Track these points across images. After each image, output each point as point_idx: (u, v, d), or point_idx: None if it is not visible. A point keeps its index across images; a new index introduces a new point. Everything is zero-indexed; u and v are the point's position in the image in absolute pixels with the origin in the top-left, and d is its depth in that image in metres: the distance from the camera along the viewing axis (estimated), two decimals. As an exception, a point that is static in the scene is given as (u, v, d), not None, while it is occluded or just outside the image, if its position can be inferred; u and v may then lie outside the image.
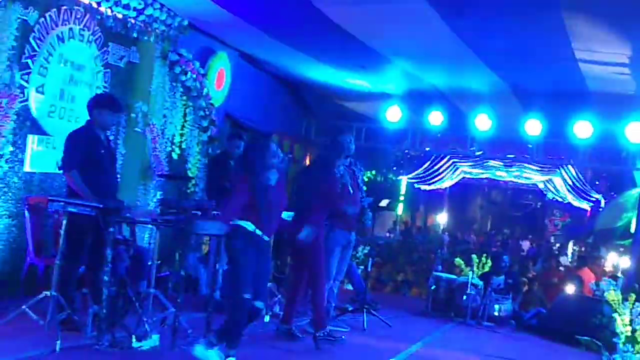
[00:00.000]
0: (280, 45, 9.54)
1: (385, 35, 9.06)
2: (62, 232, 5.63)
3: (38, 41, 6.71)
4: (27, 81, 6.65)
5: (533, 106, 11.15)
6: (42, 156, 6.96)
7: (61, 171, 6.29)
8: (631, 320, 5.19)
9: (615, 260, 17.13)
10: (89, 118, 6.27)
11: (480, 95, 11.34)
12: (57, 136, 6.99)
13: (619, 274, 7.42)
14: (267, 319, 7.57)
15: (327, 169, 6.83)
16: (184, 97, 8.91)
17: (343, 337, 6.60)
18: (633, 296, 6.11)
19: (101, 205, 5.54)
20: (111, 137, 7.44)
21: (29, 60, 6.64)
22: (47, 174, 7.05)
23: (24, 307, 5.53)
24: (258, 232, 5.48)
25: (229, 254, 5.65)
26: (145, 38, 8.10)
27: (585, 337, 5.59)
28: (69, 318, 5.69)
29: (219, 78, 9.68)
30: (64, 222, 5.61)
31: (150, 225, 7.44)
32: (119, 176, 7.38)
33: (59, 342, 5.24)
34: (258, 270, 5.50)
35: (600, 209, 23.03)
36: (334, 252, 7.00)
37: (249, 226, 5.47)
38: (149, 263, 6.61)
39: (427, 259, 17.13)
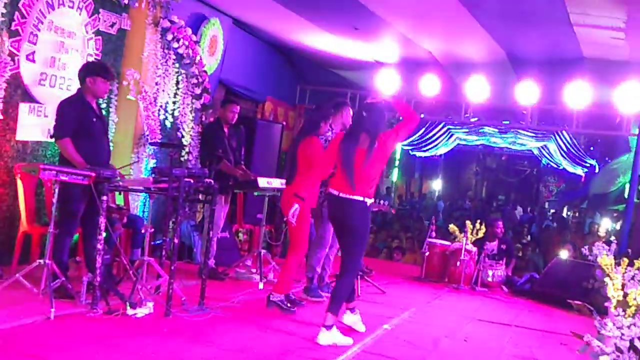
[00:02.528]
0: (273, 4, 9.42)
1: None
2: (54, 200, 5.63)
3: (27, 8, 6.63)
4: (17, 49, 6.58)
5: (528, 72, 11.09)
6: (33, 124, 6.92)
7: (53, 139, 6.28)
8: (623, 285, 5.21)
9: (609, 225, 17.25)
10: (80, 86, 6.24)
11: (475, 61, 11.28)
12: (48, 104, 6.94)
13: (612, 239, 7.46)
14: (261, 286, 7.63)
15: (311, 136, 6.82)
16: (177, 65, 8.84)
17: (294, 309, 6.60)
18: (625, 261, 6.13)
19: (93, 174, 5.52)
20: (103, 105, 7.42)
21: (19, 28, 6.57)
22: (40, 143, 7.02)
23: (17, 275, 5.55)
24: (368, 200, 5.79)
25: (361, 226, 5.81)
26: (137, 5, 8.00)
27: (577, 302, 5.62)
28: (63, 286, 5.71)
29: (211, 45, 9.60)
30: (57, 190, 5.60)
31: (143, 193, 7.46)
32: (111, 144, 7.37)
33: (53, 310, 5.27)
34: None
35: (595, 175, 23.12)
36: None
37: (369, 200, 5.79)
38: (143, 231, 6.62)
39: (422, 225, 17.21)
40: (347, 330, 6.02)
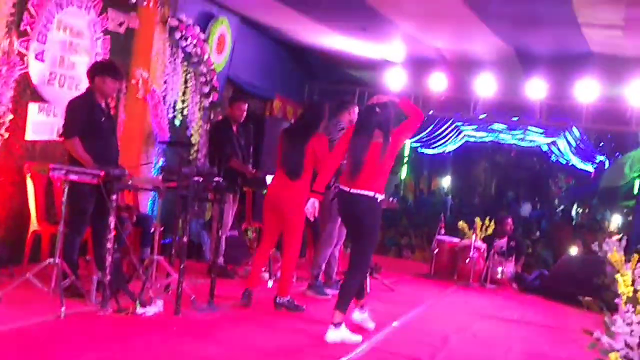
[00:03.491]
0: (280, 6, 9.44)
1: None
2: (64, 200, 5.65)
3: (36, 8, 6.64)
4: (26, 48, 6.60)
5: (536, 68, 11.05)
6: (43, 124, 6.94)
7: (62, 138, 6.30)
8: (633, 281, 5.19)
9: (619, 221, 17.18)
10: (89, 85, 6.26)
11: (483, 59, 11.25)
12: (57, 104, 6.96)
13: (623, 235, 7.44)
14: (270, 284, 7.64)
15: (319, 137, 6.77)
16: (185, 63, 8.87)
17: (303, 307, 6.60)
18: (636, 257, 6.11)
19: (102, 173, 5.53)
20: (112, 104, 7.43)
21: (28, 27, 6.59)
22: (49, 142, 7.04)
23: (28, 274, 5.57)
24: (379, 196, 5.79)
25: (371, 222, 5.82)
26: (145, 3, 8.02)
27: (587, 298, 5.60)
28: (73, 285, 5.74)
29: (219, 43, 9.61)
30: (66, 189, 5.62)
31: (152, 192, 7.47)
32: (120, 143, 7.38)
33: (63, 308, 5.27)
34: None
35: (605, 169, 23.03)
36: (337, 217, 6.99)
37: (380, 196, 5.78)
38: (152, 230, 6.64)
39: (431, 222, 17.17)
40: (356, 328, 6.02)
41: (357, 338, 5.67)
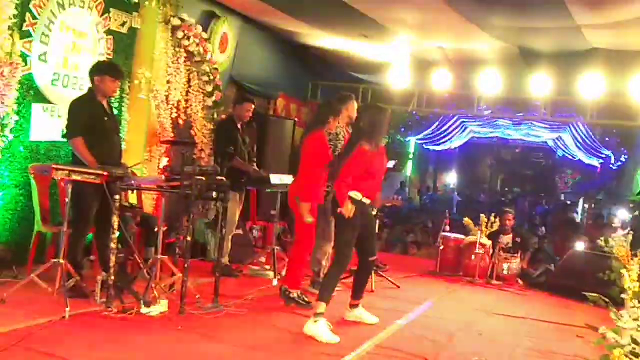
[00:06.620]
0: (282, 14, 9.49)
1: (385, 11, 9.06)
2: (67, 200, 5.65)
3: (39, 9, 6.66)
4: (29, 50, 6.61)
5: (540, 65, 11.03)
6: (47, 125, 6.95)
7: (66, 139, 6.31)
8: (639, 276, 5.16)
9: (626, 216, 17.11)
10: (91, 86, 6.27)
11: (486, 56, 11.23)
12: (61, 105, 6.97)
13: (629, 230, 7.42)
14: (275, 282, 7.64)
15: (316, 132, 6.78)
16: (188, 63, 8.86)
17: (310, 302, 6.59)
18: (642, 252, 6.11)
19: (106, 173, 5.54)
20: (115, 105, 7.44)
21: (30, 29, 6.60)
22: (53, 143, 7.05)
23: (32, 275, 5.59)
24: (366, 200, 5.88)
25: (338, 220, 5.96)
26: (147, 3, 8.02)
27: (593, 294, 5.57)
28: (77, 285, 5.75)
29: (222, 42, 9.61)
30: (70, 190, 5.63)
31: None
32: (124, 143, 7.39)
33: (68, 309, 5.29)
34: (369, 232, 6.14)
35: (611, 166, 22.96)
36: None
37: (358, 195, 5.81)
38: (156, 229, 6.64)
39: (437, 219, 17.14)
40: (354, 324, 6.12)
41: (332, 339, 5.55)
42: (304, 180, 6.57)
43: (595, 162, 25.04)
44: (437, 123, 22.18)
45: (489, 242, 9.82)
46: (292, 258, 6.85)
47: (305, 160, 6.62)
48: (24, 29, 6.52)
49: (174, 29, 8.48)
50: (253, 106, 8.17)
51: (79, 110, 6.10)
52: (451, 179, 32.10)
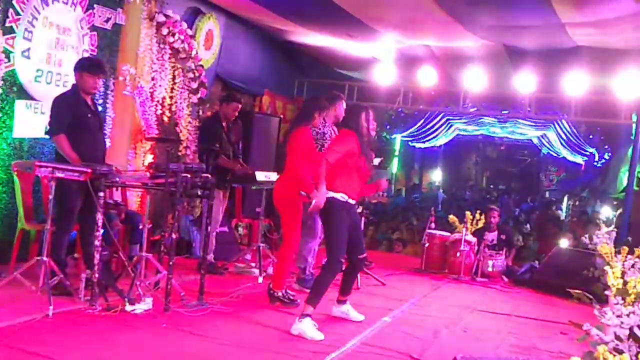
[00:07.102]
0: (267, 11, 9.45)
1: (370, 10, 9.08)
2: (51, 197, 5.61)
3: (22, 4, 6.60)
4: (12, 46, 6.55)
5: (525, 62, 11.07)
6: (30, 122, 6.89)
7: (49, 136, 6.26)
8: (623, 273, 5.19)
9: (609, 213, 17.21)
10: (74, 82, 6.22)
11: (471, 53, 11.25)
12: (45, 101, 6.91)
13: (613, 227, 7.45)
14: (260, 280, 7.62)
15: (301, 128, 6.76)
16: (173, 59, 8.83)
17: (297, 301, 6.59)
18: (625, 249, 6.12)
19: (89, 170, 5.50)
20: (99, 101, 7.40)
21: (13, 25, 6.54)
22: (37, 140, 7.00)
23: (15, 273, 5.55)
24: (351, 200, 5.95)
25: (325, 220, 6.05)
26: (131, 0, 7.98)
27: (577, 290, 5.59)
28: (61, 283, 5.72)
29: (207, 39, 9.57)
30: (53, 187, 5.59)
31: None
32: (108, 140, 7.35)
33: (51, 307, 5.26)
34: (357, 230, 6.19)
35: (595, 163, 23.08)
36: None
37: (343, 197, 5.87)
38: (141, 227, 6.61)
39: (422, 217, 17.18)
40: (340, 321, 6.14)
41: (317, 336, 5.58)
42: (294, 174, 6.51)
43: (579, 159, 25.17)
44: (422, 120, 22.21)
45: (474, 239, 9.85)
46: (279, 258, 6.83)
47: (291, 155, 6.59)
48: (7, 24, 6.46)
49: (159, 25, 8.43)
50: (240, 106, 8.14)
51: (62, 106, 6.05)
52: (436, 176, 32.15)
